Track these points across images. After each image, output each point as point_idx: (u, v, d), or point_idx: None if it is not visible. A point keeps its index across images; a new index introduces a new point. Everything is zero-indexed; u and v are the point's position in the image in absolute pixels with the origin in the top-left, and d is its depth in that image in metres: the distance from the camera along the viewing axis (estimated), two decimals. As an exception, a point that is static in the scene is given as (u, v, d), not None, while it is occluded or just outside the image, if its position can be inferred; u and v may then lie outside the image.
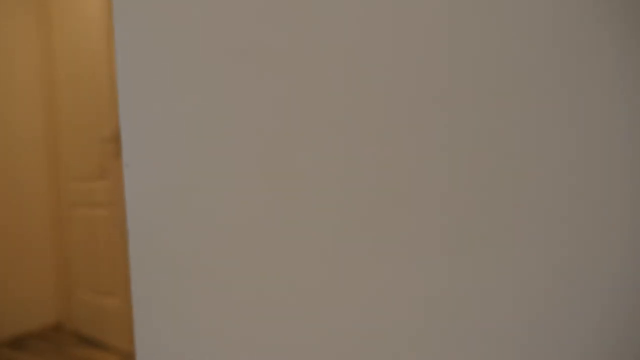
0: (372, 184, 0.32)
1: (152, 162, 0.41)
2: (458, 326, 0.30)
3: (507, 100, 0.28)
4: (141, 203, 0.42)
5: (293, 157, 0.35)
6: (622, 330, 0.26)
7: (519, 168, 0.28)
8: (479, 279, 0.29)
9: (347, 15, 0.32)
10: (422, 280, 0.30)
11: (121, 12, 0.41)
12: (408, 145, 0.31)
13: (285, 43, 0.34)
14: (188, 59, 0.38)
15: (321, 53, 0.33)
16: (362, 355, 0.32)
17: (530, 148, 0.28)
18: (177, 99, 0.39)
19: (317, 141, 0.33)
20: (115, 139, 2.31)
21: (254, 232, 0.36)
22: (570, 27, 0.26)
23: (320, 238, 0.34)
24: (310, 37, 0.33)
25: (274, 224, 0.35)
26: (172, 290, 0.40)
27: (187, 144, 0.39)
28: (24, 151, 2.65)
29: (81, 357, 2.22)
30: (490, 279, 0.29)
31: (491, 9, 0.28)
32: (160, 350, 0.40)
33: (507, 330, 0.28)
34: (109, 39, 2.31)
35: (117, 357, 2.20)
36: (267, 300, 0.36)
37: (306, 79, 0.33)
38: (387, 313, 0.31)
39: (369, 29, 0.31)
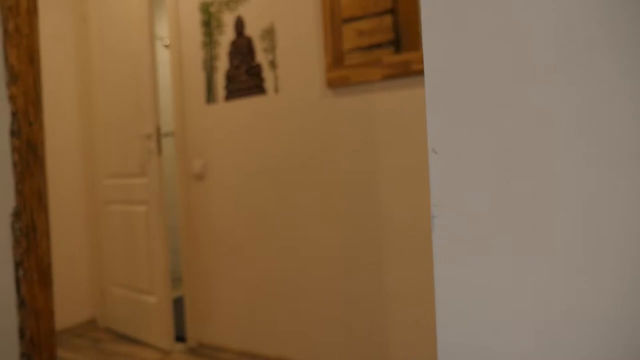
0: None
1: (459, 149, 0.47)
2: None
3: None
4: (447, 189, 0.47)
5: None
6: None
7: None
8: None
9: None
10: None
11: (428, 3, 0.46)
12: None
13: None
14: (502, 49, 0.44)
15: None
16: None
17: None
18: (485, 93, 0.45)
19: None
20: (156, 136, 2.33)
21: (573, 223, 0.42)
22: None
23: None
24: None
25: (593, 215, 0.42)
26: (481, 275, 0.45)
27: (497, 131, 0.45)
28: (60, 149, 2.65)
29: (118, 353, 2.23)
30: None
31: None
32: (465, 341, 0.44)
33: None
34: (151, 38, 2.33)
35: (154, 354, 2.22)
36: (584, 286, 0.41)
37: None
38: None
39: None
